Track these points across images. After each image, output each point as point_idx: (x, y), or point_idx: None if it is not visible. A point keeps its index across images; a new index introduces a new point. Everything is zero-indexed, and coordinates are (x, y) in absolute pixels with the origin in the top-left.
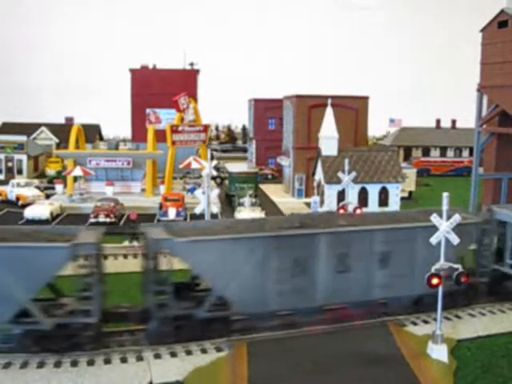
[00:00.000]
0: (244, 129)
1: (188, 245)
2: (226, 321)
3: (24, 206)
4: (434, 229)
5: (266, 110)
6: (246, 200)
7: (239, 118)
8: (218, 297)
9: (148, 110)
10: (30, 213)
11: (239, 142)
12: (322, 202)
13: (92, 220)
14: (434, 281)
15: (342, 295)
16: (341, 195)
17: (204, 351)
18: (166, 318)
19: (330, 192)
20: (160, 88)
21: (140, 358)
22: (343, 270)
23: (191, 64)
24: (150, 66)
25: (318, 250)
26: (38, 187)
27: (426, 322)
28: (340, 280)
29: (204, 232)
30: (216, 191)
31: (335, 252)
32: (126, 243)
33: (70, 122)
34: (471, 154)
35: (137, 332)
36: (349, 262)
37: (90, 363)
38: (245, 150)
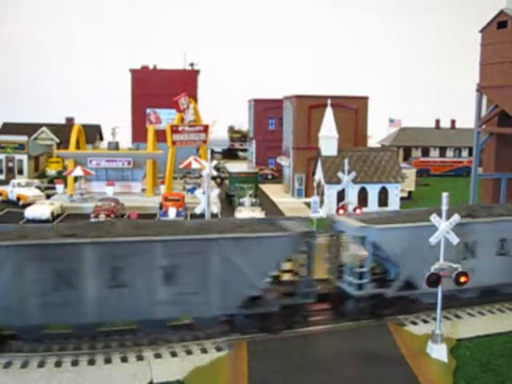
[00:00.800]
0: None
1: None
2: None
3: (25, 205)
4: (232, 241)
5: (265, 110)
6: (246, 200)
7: (239, 118)
8: None
9: (148, 110)
10: (30, 213)
11: None
12: (321, 202)
13: (93, 220)
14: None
15: (118, 312)
16: (341, 195)
17: (204, 351)
18: None
19: (330, 192)
20: (160, 88)
21: (140, 358)
22: (117, 285)
23: (191, 64)
24: (151, 67)
25: (83, 261)
26: (38, 187)
27: (425, 321)
28: (113, 296)
29: None
30: (216, 191)
31: (106, 265)
32: None
33: (70, 122)
34: (471, 154)
35: None
36: (124, 277)
37: (91, 363)
38: None
